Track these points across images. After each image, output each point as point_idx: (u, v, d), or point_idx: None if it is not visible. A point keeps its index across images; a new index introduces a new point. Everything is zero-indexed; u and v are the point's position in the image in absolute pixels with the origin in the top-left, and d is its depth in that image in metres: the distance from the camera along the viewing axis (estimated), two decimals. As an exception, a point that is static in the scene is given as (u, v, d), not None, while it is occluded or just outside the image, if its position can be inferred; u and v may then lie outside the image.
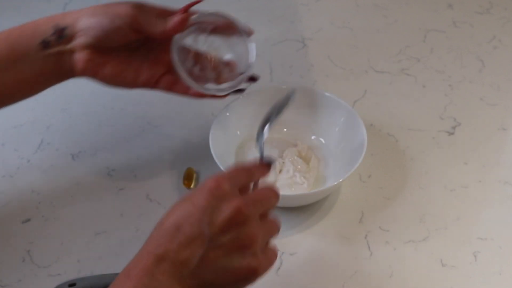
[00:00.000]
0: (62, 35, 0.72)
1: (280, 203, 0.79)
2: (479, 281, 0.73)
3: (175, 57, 0.74)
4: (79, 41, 0.72)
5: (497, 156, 0.88)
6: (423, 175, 0.84)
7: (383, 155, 0.87)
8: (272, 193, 0.62)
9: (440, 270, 0.74)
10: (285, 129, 0.87)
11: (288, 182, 0.80)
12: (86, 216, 0.80)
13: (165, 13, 0.74)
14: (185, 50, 0.76)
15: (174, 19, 0.73)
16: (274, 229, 0.62)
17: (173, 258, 0.55)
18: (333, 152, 0.84)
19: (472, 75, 1.00)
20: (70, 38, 0.72)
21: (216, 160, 0.77)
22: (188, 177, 0.83)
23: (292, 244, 0.77)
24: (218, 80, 0.77)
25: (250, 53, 0.76)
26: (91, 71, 0.74)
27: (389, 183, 0.83)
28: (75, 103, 0.95)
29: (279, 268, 0.74)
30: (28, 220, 0.79)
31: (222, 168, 0.76)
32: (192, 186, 0.83)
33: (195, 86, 0.75)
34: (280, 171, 0.81)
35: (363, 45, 1.06)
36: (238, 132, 0.85)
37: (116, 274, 0.72)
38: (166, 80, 0.76)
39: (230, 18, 0.76)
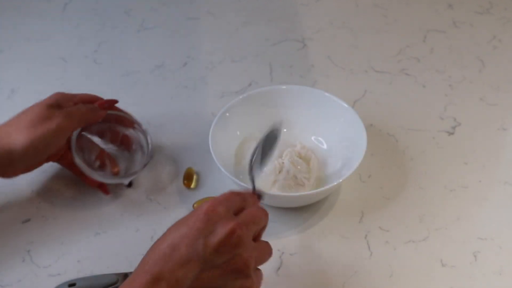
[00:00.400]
0: None
1: (280, 203, 0.80)
2: (479, 281, 0.73)
3: (73, 145, 0.78)
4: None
5: (497, 156, 0.88)
6: (423, 175, 0.84)
7: (383, 155, 0.87)
8: (262, 212, 0.62)
9: (440, 270, 0.74)
10: (285, 129, 0.87)
11: (288, 182, 0.80)
12: (86, 216, 0.80)
13: (83, 100, 0.79)
14: (89, 143, 0.81)
15: (100, 112, 0.79)
16: (267, 252, 0.63)
17: (168, 277, 0.56)
18: (333, 152, 0.84)
19: (472, 75, 1.00)
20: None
21: (216, 160, 0.77)
22: (188, 177, 0.83)
23: (292, 244, 0.77)
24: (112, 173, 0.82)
25: (149, 144, 0.83)
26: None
27: (389, 183, 0.83)
28: (75, 103, 0.95)
29: (279, 268, 0.74)
30: (28, 220, 0.79)
31: (222, 168, 0.77)
32: (192, 186, 0.83)
33: (85, 171, 0.78)
34: (280, 172, 0.81)
35: (363, 45, 1.06)
36: (238, 132, 0.85)
37: (117, 274, 0.72)
38: (69, 159, 0.79)
39: (127, 114, 0.83)
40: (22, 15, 1.11)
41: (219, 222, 0.58)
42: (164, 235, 0.59)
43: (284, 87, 0.88)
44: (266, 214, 0.63)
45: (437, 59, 1.03)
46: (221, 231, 0.57)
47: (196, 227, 0.57)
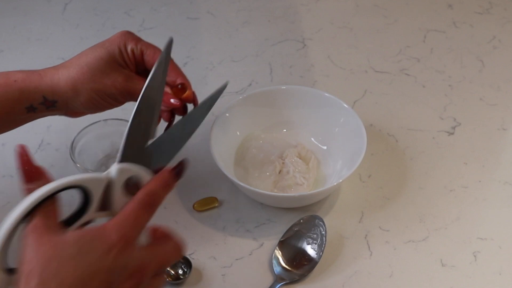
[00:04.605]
0: (51, 106, 0.71)
1: (280, 203, 0.80)
2: (479, 281, 0.73)
3: None
4: (70, 108, 0.73)
5: (497, 156, 0.88)
6: (423, 175, 0.84)
7: (383, 155, 0.87)
8: (176, 253, 0.55)
9: (440, 270, 0.74)
10: (284, 130, 0.87)
11: (288, 182, 0.80)
12: (86, 216, 0.79)
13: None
14: None
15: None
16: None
17: None
18: (333, 152, 0.84)
19: (472, 75, 1.00)
20: (60, 107, 0.72)
21: (216, 160, 0.77)
22: (188, 177, 0.83)
23: (292, 244, 0.77)
24: None
25: None
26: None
27: (389, 183, 0.83)
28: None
29: (279, 268, 0.74)
30: (28, 220, 0.79)
31: (222, 168, 0.76)
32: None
33: None
34: (280, 172, 0.81)
35: (363, 45, 1.06)
36: (238, 133, 0.85)
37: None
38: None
39: None
40: (22, 15, 1.11)
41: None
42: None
43: (284, 87, 0.88)
44: (180, 251, 0.56)
45: (437, 59, 1.03)
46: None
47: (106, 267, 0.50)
